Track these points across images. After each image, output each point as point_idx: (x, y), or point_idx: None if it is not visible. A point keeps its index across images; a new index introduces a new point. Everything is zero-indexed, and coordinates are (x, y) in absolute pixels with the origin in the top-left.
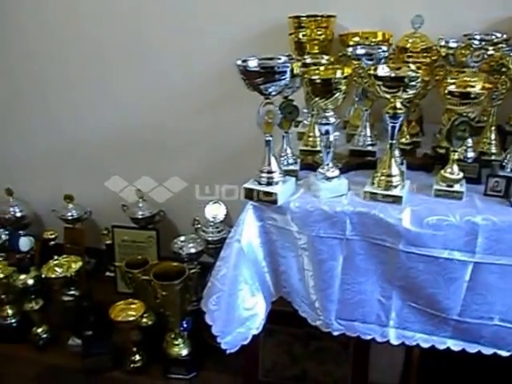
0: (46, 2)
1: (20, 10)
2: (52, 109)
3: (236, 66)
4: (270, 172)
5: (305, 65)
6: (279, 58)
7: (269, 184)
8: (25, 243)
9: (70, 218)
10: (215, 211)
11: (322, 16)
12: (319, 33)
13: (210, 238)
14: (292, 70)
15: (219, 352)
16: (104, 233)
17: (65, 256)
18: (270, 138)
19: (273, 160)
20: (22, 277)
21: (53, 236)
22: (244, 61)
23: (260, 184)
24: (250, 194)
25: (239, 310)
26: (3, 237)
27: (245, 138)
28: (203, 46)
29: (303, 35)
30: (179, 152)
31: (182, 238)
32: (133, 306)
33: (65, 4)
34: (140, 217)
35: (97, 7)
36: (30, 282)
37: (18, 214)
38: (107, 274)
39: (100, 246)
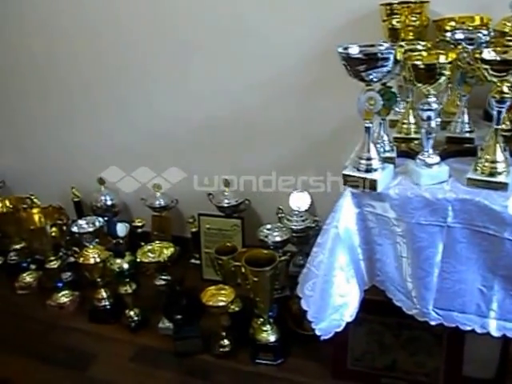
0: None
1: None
2: (135, 101)
3: (338, 53)
4: (369, 159)
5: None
6: (381, 45)
7: (368, 171)
8: (121, 229)
9: (157, 206)
10: (300, 200)
11: (414, 2)
12: (413, 19)
13: (294, 227)
14: (395, 57)
15: (305, 339)
16: (190, 221)
17: (157, 242)
18: (370, 125)
19: (372, 147)
20: (118, 261)
21: (140, 224)
22: (345, 48)
23: (359, 170)
24: (348, 180)
25: (334, 296)
26: (97, 223)
27: (331, 127)
28: (291, 34)
29: (397, 22)
30: (265, 142)
31: (268, 227)
32: (223, 292)
33: None
34: (226, 205)
35: None
36: (125, 266)
37: (109, 203)
38: (192, 261)
39: (185, 233)
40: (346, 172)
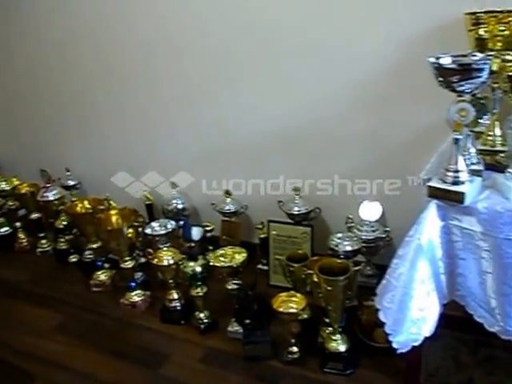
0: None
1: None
2: (208, 112)
3: (430, 64)
4: (456, 171)
5: None
6: (474, 55)
7: (455, 183)
8: (196, 233)
9: (227, 211)
10: (370, 210)
11: (501, 11)
12: (502, 28)
13: (364, 237)
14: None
15: (374, 351)
16: (259, 227)
17: (230, 247)
18: (460, 137)
19: (460, 159)
20: (191, 264)
21: (210, 228)
22: (437, 58)
23: (445, 183)
24: (434, 193)
25: (413, 309)
26: (169, 226)
27: (404, 138)
28: (366, 46)
29: (485, 31)
30: (338, 150)
31: (339, 235)
32: (294, 299)
33: None
34: (296, 213)
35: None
36: (198, 269)
37: (180, 206)
38: (259, 266)
39: (252, 239)
40: (431, 184)
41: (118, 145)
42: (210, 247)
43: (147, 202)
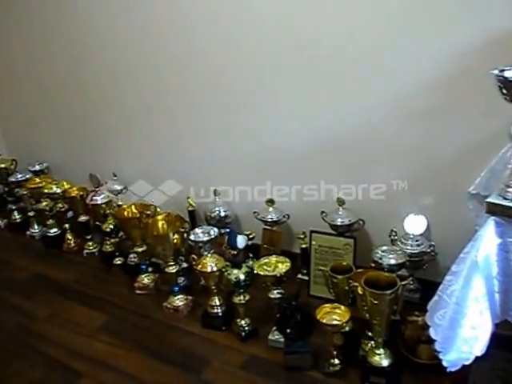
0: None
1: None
2: (253, 120)
3: (494, 76)
4: None
5: None
6: None
7: None
8: (241, 241)
9: (269, 220)
10: (415, 224)
11: None
12: None
13: (408, 251)
14: None
15: (417, 367)
16: (300, 237)
17: (274, 256)
18: None
19: None
20: (235, 271)
21: (251, 236)
22: (501, 71)
23: (505, 199)
24: (492, 209)
25: (465, 327)
26: (212, 233)
27: (452, 151)
28: (417, 55)
29: None
30: (382, 163)
31: (384, 248)
32: (338, 311)
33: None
34: (339, 224)
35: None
36: (242, 277)
37: (222, 214)
38: (299, 276)
39: (293, 248)
40: (490, 200)
41: (165, 152)
42: (251, 255)
43: (190, 209)
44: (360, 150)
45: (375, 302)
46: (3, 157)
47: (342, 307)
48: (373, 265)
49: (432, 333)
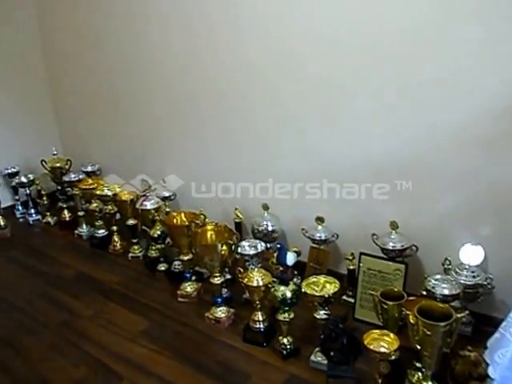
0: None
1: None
2: (309, 135)
3: None
4: None
5: None
6: None
7: None
8: (291, 258)
9: (317, 238)
10: (472, 254)
11: None
12: None
13: (462, 282)
14: None
15: None
16: (348, 258)
17: (323, 276)
18: None
19: None
20: (282, 288)
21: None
22: None
23: None
24: None
25: None
26: (259, 247)
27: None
28: (480, 81)
29: None
30: (439, 187)
31: (437, 277)
32: (387, 338)
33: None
34: (391, 248)
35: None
36: (288, 294)
37: (270, 228)
38: (344, 297)
39: (339, 269)
40: None
41: (216, 161)
42: (295, 272)
43: (237, 220)
44: (416, 174)
45: (428, 332)
46: (59, 156)
47: (391, 335)
48: (424, 293)
49: (491, 371)
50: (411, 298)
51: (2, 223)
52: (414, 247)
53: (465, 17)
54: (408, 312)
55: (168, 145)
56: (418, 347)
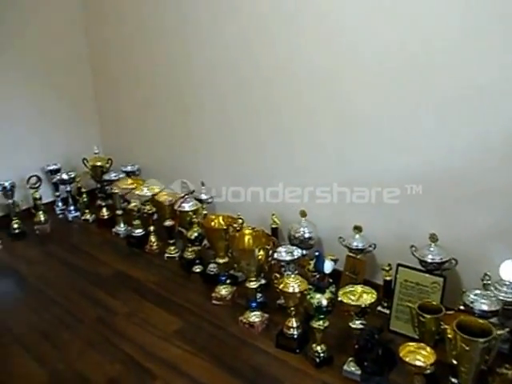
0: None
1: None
2: (353, 147)
3: None
4: None
5: None
6: None
7: None
8: (328, 266)
9: (354, 247)
10: None
11: None
12: None
13: (502, 299)
14: None
15: None
16: (385, 268)
17: (360, 285)
18: None
19: None
20: (318, 296)
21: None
22: None
23: None
24: None
25: None
26: (296, 253)
27: None
28: None
29: None
30: (484, 202)
31: (476, 292)
32: (423, 352)
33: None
34: (429, 261)
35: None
36: (324, 302)
37: (306, 235)
38: (379, 308)
39: (375, 279)
40: None
41: (253, 166)
42: (331, 280)
43: (273, 226)
44: (458, 188)
45: (467, 348)
46: (100, 155)
47: (428, 348)
48: (462, 308)
49: None
50: (449, 312)
51: (43, 219)
52: (453, 261)
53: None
54: (446, 326)
55: (208, 149)
56: (455, 362)
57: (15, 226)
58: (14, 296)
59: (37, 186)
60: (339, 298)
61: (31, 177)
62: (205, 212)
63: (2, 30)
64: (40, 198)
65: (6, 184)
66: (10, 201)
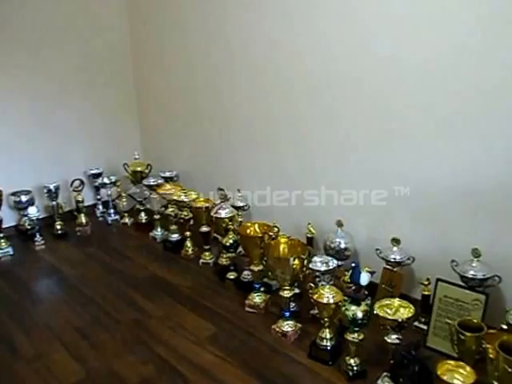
0: None
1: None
2: (393, 161)
3: None
4: None
5: None
6: None
7: None
8: (365, 278)
9: (392, 260)
10: None
11: None
12: None
13: None
14: None
15: None
16: (424, 283)
17: (398, 299)
18: None
19: None
20: (353, 308)
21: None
22: None
23: None
24: None
25: None
26: (331, 264)
27: None
28: None
29: None
30: None
31: None
32: (462, 371)
33: None
34: (471, 276)
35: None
36: (360, 314)
37: (342, 246)
38: (416, 323)
39: (412, 293)
40: None
41: (289, 174)
42: (366, 292)
43: (309, 235)
44: (503, 203)
45: (510, 370)
46: (140, 160)
47: (467, 367)
48: (505, 327)
49: None
50: (491, 330)
51: (84, 221)
52: (496, 277)
53: None
54: (488, 346)
55: (245, 156)
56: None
57: (58, 226)
58: (54, 294)
59: (80, 189)
60: (375, 311)
61: (75, 180)
62: (240, 219)
63: (60, 46)
64: (82, 201)
65: (51, 186)
66: (54, 202)
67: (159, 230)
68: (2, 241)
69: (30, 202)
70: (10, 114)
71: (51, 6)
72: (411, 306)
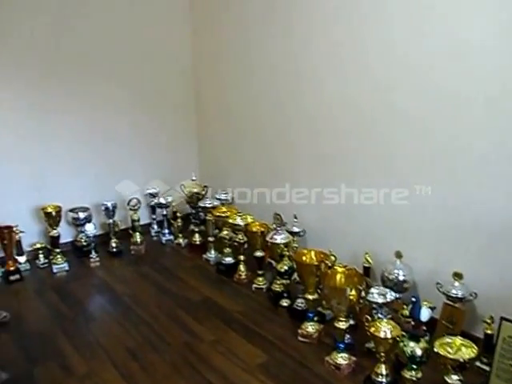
0: None
1: None
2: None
3: None
4: None
5: None
6: None
7: None
8: (425, 314)
9: (453, 295)
10: None
11: None
12: None
13: None
14: None
15: None
16: (487, 321)
17: (459, 337)
18: None
19: None
20: (412, 344)
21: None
22: None
23: None
24: None
25: None
26: (389, 296)
27: None
28: None
29: None
30: None
31: None
32: None
33: None
34: None
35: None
36: (419, 352)
37: (401, 278)
38: (478, 364)
39: (474, 331)
40: None
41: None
42: (424, 328)
43: (366, 265)
44: None
45: None
46: (197, 182)
47: None
48: None
49: None
50: None
51: (139, 240)
52: None
53: None
54: None
55: (301, 182)
56: None
57: (113, 244)
58: (107, 312)
59: (136, 208)
60: (435, 349)
61: (132, 199)
62: (296, 245)
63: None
64: (138, 220)
65: (109, 204)
66: (111, 220)
67: (213, 252)
68: (59, 256)
69: (88, 219)
70: (79, 132)
71: (131, 42)
72: (474, 345)
